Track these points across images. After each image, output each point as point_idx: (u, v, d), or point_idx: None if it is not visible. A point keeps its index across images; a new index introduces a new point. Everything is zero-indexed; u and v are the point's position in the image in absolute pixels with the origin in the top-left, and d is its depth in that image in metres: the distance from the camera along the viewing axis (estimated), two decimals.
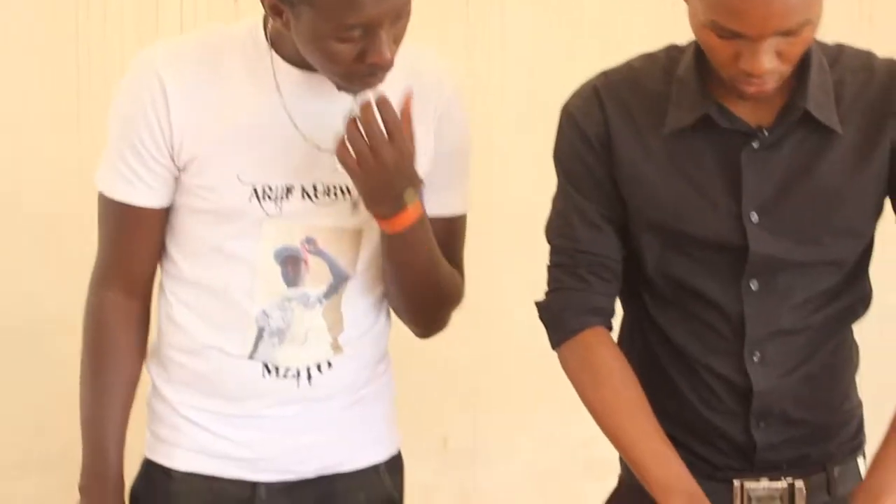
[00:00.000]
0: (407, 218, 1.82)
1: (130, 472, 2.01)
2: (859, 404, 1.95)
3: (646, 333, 1.89)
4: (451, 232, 1.98)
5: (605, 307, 1.86)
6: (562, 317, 1.86)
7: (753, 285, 1.80)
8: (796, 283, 1.81)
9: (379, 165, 1.75)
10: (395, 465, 2.05)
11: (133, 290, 1.95)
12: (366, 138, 1.75)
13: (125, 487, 1.97)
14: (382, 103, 1.75)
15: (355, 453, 1.98)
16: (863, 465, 1.93)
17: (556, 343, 1.88)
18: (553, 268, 1.89)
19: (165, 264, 1.95)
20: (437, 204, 1.91)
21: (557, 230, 1.89)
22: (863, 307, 1.90)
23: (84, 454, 1.96)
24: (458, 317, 3.19)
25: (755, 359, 1.82)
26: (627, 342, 1.93)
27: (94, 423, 1.95)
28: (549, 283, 1.89)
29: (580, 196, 1.85)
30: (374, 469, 2.00)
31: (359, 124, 1.75)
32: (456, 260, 1.99)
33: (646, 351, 1.89)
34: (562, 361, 1.87)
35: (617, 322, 1.94)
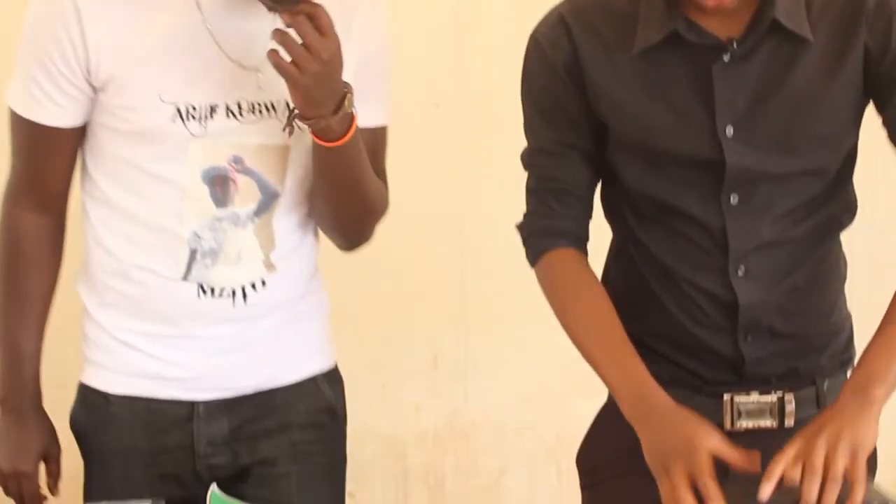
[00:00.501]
0: (348, 131, 1.81)
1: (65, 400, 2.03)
2: (848, 317, 1.95)
3: (631, 253, 1.90)
4: (376, 142, 1.97)
5: (570, 230, 1.88)
6: (531, 240, 1.91)
7: (733, 199, 1.80)
8: (777, 195, 1.80)
9: (318, 64, 1.72)
10: (333, 377, 2.05)
11: (46, 207, 1.95)
12: (299, 40, 1.72)
13: (41, 397, 1.99)
14: (309, 4, 1.73)
15: (292, 367, 1.99)
16: None
17: (530, 263, 1.92)
18: (527, 192, 1.92)
19: (86, 185, 1.95)
20: (364, 116, 1.89)
21: (527, 156, 1.92)
22: (848, 217, 1.89)
23: (0, 365, 1.99)
24: (447, 235, 3.21)
25: (740, 273, 1.82)
26: (615, 263, 1.95)
27: (8, 337, 1.98)
28: (526, 206, 1.93)
29: (545, 124, 1.88)
30: (311, 380, 2.01)
31: (287, 31, 1.72)
32: (380, 169, 2.00)
33: (632, 271, 1.90)
34: (538, 281, 1.90)
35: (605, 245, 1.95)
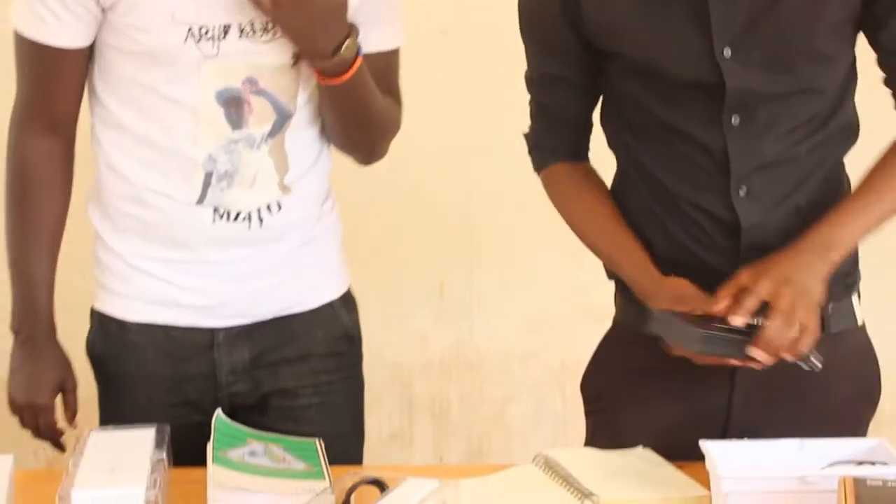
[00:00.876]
0: (347, 72, 1.81)
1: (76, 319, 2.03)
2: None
3: (634, 179, 1.91)
4: (389, 65, 1.97)
5: (564, 149, 1.96)
6: (533, 153, 1.99)
7: (735, 120, 1.81)
8: (777, 115, 1.81)
9: (297, 4, 1.73)
10: (348, 301, 2.06)
11: (54, 130, 1.93)
12: None
13: (56, 328, 1.98)
14: None
15: (310, 292, 1.99)
16: (857, 303, 1.93)
17: (536, 172, 2.00)
18: (529, 107, 1.99)
19: (96, 109, 1.93)
20: (375, 39, 1.88)
21: (526, 81, 1.97)
22: (850, 138, 1.89)
23: (13, 295, 1.98)
24: (453, 164, 3.20)
25: (741, 193, 1.82)
26: (618, 190, 1.96)
27: (20, 264, 1.96)
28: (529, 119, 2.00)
29: (538, 53, 1.92)
30: (329, 306, 2.01)
31: None
32: (394, 90, 1.99)
33: (636, 196, 1.91)
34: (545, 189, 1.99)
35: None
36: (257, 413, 2.00)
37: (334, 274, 2.04)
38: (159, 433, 1.75)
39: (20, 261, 1.96)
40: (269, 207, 1.91)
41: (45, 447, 3.30)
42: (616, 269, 1.90)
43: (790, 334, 1.68)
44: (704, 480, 1.71)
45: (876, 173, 1.82)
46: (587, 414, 2.05)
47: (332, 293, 2.02)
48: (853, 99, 1.89)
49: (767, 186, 1.83)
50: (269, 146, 1.89)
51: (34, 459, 3.28)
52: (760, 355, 1.67)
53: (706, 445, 1.69)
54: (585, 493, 1.68)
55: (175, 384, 1.96)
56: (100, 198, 1.96)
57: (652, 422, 1.92)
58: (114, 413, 1.98)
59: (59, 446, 2.05)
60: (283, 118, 1.89)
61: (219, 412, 1.86)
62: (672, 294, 1.78)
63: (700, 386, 1.88)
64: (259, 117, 1.87)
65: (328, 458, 1.84)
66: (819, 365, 1.71)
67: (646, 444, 1.87)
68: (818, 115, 1.83)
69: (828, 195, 1.86)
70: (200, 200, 1.88)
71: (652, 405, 1.93)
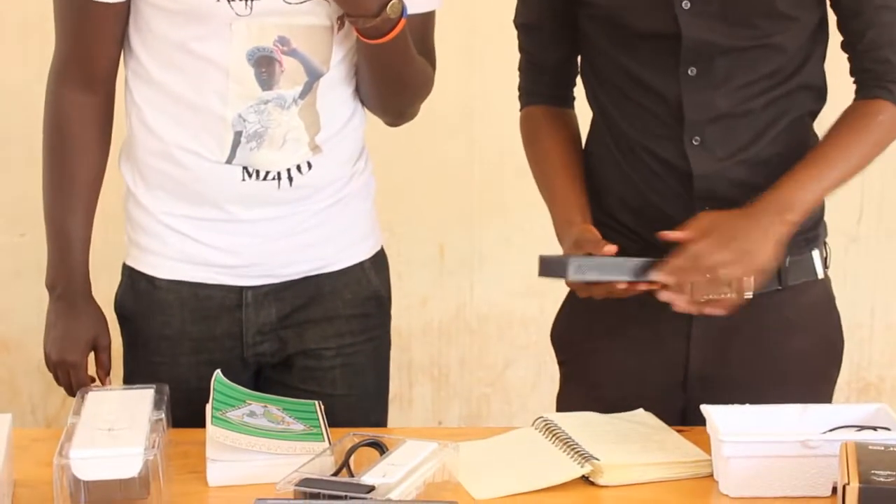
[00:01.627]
0: (390, 32, 1.79)
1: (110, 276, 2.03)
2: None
3: (602, 127, 1.96)
4: (426, 26, 1.95)
5: (543, 92, 2.02)
6: (519, 96, 2.06)
7: (691, 71, 1.85)
8: (734, 68, 1.85)
9: None
10: (379, 261, 2.04)
11: (92, 86, 1.92)
12: None
13: (90, 286, 1.97)
14: None
15: (339, 252, 1.98)
16: (818, 259, 1.94)
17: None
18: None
19: (131, 63, 1.91)
20: (417, 2, 1.87)
21: (515, 27, 2.04)
22: (815, 97, 1.91)
23: (49, 251, 1.96)
24: (455, 125, 3.18)
25: (695, 142, 1.86)
26: (591, 138, 2.01)
27: (57, 221, 1.95)
28: None
29: (521, 1, 2.01)
30: (359, 266, 2.00)
31: None
32: (429, 50, 1.98)
33: (603, 145, 1.96)
34: None
35: None
36: (281, 372, 1.99)
37: (365, 234, 2.02)
38: (158, 393, 1.75)
39: (56, 217, 1.95)
40: (298, 168, 1.89)
41: (43, 407, 3.32)
42: (551, 214, 1.95)
43: (716, 289, 1.73)
44: (705, 444, 1.71)
45: (835, 135, 1.84)
46: (559, 363, 2.09)
47: (363, 253, 2.01)
48: (822, 59, 1.91)
49: (721, 138, 1.86)
50: (301, 107, 1.87)
51: (33, 419, 3.29)
52: (664, 278, 1.73)
53: (707, 409, 1.69)
54: (586, 457, 1.68)
55: (202, 343, 1.96)
56: (131, 154, 1.95)
57: (617, 370, 1.96)
58: (139, 371, 1.97)
59: None
60: (314, 79, 1.87)
61: (218, 373, 1.86)
62: (572, 239, 1.84)
63: (658, 335, 1.93)
64: (290, 78, 1.86)
65: (351, 419, 1.85)
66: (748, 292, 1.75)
67: (612, 392, 1.92)
68: (778, 71, 1.85)
69: (790, 153, 1.88)
70: (230, 160, 1.87)
71: (616, 354, 1.97)
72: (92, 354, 1.98)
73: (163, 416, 1.68)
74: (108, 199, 2.00)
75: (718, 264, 1.73)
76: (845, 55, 1.89)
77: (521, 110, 2.05)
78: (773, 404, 1.73)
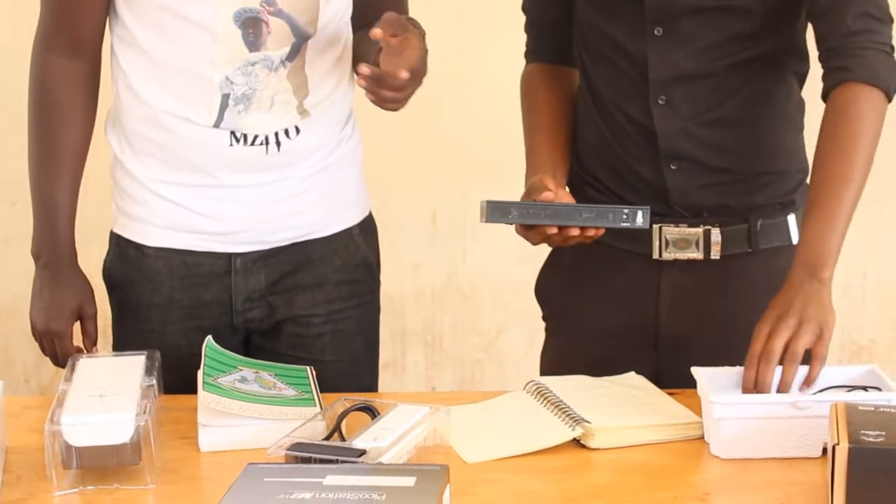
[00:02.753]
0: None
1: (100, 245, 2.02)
2: (800, 164, 1.96)
3: (586, 91, 1.99)
4: None
5: (543, 51, 2.06)
6: (525, 53, 2.08)
7: (658, 31, 1.87)
8: (700, 29, 1.85)
9: (413, 86, 1.75)
10: (367, 227, 2.04)
11: (77, 52, 1.91)
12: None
13: (76, 255, 1.96)
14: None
15: (327, 219, 1.98)
16: (794, 224, 1.94)
17: None
18: None
19: (116, 28, 1.90)
20: None
21: None
22: (789, 61, 1.91)
23: (34, 220, 1.96)
24: (448, 91, 3.17)
25: (660, 101, 1.89)
26: (579, 97, 2.03)
27: (42, 188, 1.94)
28: None
29: None
30: (347, 233, 2.00)
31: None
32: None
33: (586, 108, 1.99)
34: None
35: None
36: (270, 339, 2.00)
37: (353, 200, 2.02)
38: (149, 359, 1.75)
39: (41, 184, 1.94)
40: (286, 132, 1.89)
41: (36, 376, 3.32)
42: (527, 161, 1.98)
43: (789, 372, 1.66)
44: (696, 407, 1.71)
45: (828, 156, 1.76)
46: (544, 318, 2.11)
47: (351, 220, 2.01)
48: (795, 25, 1.89)
49: (687, 98, 1.88)
50: (289, 69, 1.87)
51: (26, 388, 3.30)
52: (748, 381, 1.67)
53: (697, 371, 1.69)
54: (577, 420, 1.68)
55: (191, 310, 1.96)
56: (118, 121, 1.94)
57: (593, 327, 1.99)
58: (128, 339, 1.97)
59: None
60: (301, 40, 1.87)
61: (209, 339, 1.86)
62: (530, 186, 1.87)
63: (628, 292, 1.95)
64: (277, 39, 1.85)
65: (342, 385, 1.85)
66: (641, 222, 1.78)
67: (590, 349, 1.95)
68: (745, 34, 1.85)
69: (762, 115, 1.90)
70: (217, 123, 1.86)
71: (592, 311, 1.99)
72: (78, 325, 1.98)
73: (154, 382, 1.68)
74: (96, 167, 2.00)
75: (787, 342, 1.67)
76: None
77: (524, 68, 2.08)
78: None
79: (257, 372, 1.82)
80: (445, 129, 3.23)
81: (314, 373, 1.86)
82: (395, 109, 1.82)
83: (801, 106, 1.96)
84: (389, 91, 1.76)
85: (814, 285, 1.70)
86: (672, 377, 1.81)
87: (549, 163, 1.94)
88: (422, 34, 1.81)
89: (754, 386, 1.65)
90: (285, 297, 1.97)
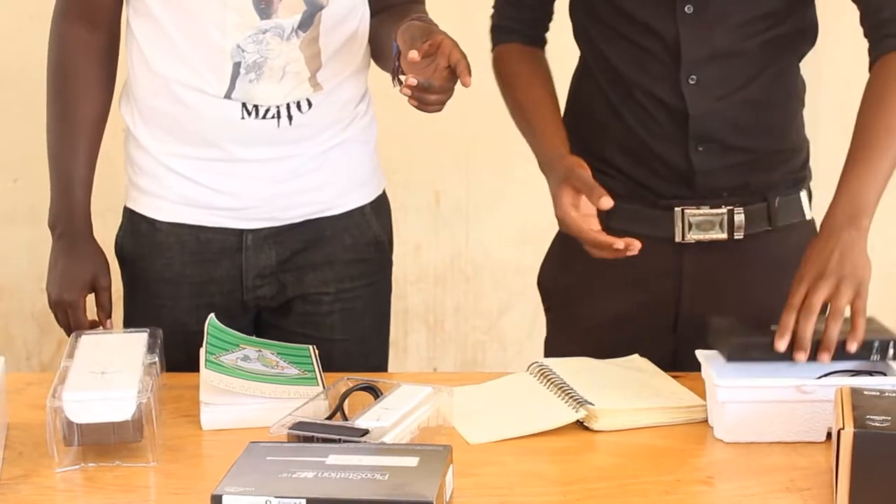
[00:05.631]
0: None
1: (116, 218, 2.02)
2: (805, 140, 1.99)
3: (594, 67, 1.95)
4: None
5: (521, 29, 2.01)
6: (491, 34, 2.04)
7: (688, 9, 1.84)
8: (732, 6, 1.84)
9: (451, 89, 1.74)
10: (380, 206, 2.03)
11: (94, 22, 1.91)
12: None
13: (91, 226, 1.96)
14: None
15: (340, 197, 1.97)
16: (805, 199, 1.96)
17: (492, 52, 2.04)
18: None
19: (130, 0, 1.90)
20: None
21: None
22: (806, 39, 1.92)
23: (51, 190, 1.95)
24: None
25: (691, 81, 1.86)
26: (580, 82, 2.01)
27: (58, 159, 1.94)
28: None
29: None
30: (359, 211, 1.99)
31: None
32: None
33: (596, 86, 1.96)
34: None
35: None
36: (280, 317, 1.99)
37: (366, 178, 2.01)
38: (152, 337, 1.74)
39: (58, 156, 1.94)
40: (298, 105, 1.88)
41: (38, 353, 3.32)
42: (532, 147, 1.94)
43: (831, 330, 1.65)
44: (700, 390, 1.71)
45: (873, 113, 1.78)
46: (546, 309, 2.09)
47: (363, 198, 2.00)
48: (813, 4, 1.91)
49: (718, 76, 1.86)
50: (302, 39, 1.86)
51: (27, 366, 3.29)
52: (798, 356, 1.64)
53: (702, 354, 1.68)
54: (580, 402, 1.67)
55: (201, 286, 1.96)
56: (132, 94, 1.94)
57: (605, 313, 1.97)
58: (138, 314, 1.97)
59: None
60: (313, 9, 1.85)
61: (211, 317, 1.85)
62: (562, 172, 1.82)
63: (649, 276, 1.93)
64: (288, 6, 1.84)
65: (350, 364, 1.84)
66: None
67: (604, 337, 1.93)
68: (774, 12, 1.85)
69: (782, 93, 1.92)
70: (229, 94, 1.85)
71: (605, 296, 1.97)
72: (93, 297, 1.97)
73: (156, 359, 1.67)
74: (114, 141, 1.99)
75: (828, 298, 1.66)
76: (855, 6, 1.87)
77: (495, 47, 2.03)
78: None
79: (260, 350, 1.82)
80: (449, 111, 3.22)
81: (317, 352, 1.86)
82: (440, 110, 1.80)
83: (804, 84, 1.98)
84: (434, 94, 1.74)
85: (852, 234, 1.69)
86: (692, 359, 1.79)
87: (562, 140, 1.91)
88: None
89: (792, 339, 1.63)
90: (296, 275, 1.97)
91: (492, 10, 2.05)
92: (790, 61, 1.92)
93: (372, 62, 1.99)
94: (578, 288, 2.00)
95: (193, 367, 1.79)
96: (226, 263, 1.95)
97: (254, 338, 1.88)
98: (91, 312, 1.96)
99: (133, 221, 1.97)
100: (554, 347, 2.05)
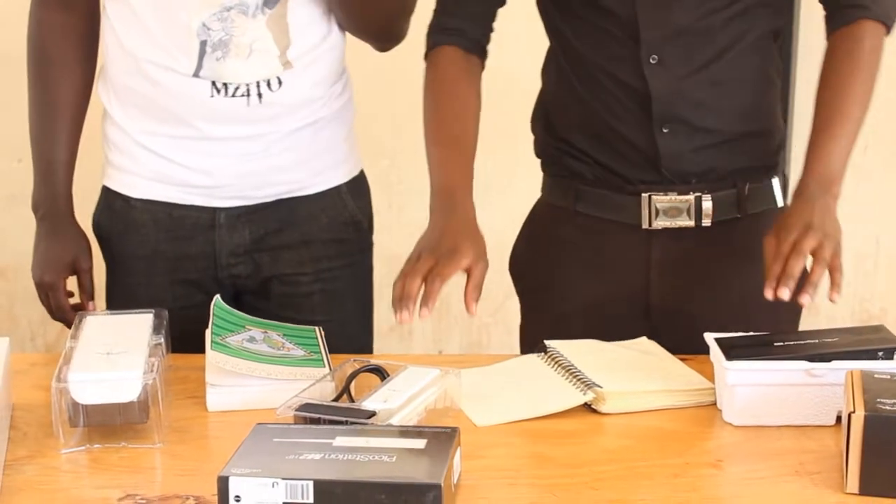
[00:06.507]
0: None
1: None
2: (779, 126, 1.96)
3: (560, 54, 1.94)
4: None
5: (462, 29, 1.91)
6: (428, 36, 1.94)
7: None
8: None
9: None
10: (357, 187, 2.03)
11: (71, 6, 1.93)
12: None
13: (73, 208, 1.98)
14: None
15: (314, 177, 1.97)
16: (778, 187, 1.95)
17: (426, 56, 1.95)
18: None
19: None
20: None
21: None
22: (776, 13, 1.88)
23: (34, 172, 1.98)
24: None
25: (652, 61, 1.84)
26: (548, 66, 1.99)
27: (39, 141, 1.96)
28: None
29: None
30: (335, 191, 1.99)
31: None
32: None
33: (561, 71, 1.94)
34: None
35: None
36: (261, 299, 1.99)
37: (342, 159, 2.00)
38: (157, 317, 1.73)
39: (39, 139, 1.96)
40: (269, 83, 1.88)
41: (42, 334, 3.31)
42: (431, 179, 1.86)
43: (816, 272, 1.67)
44: (708, 373, 1.70)
45: (835, 82, 1.80)
46: (519, 294, 2.08)
47: (339, 178, 2.00)
48: None
49: (679, 55, 1.84)
50: (268, 17, 1.85)
51: (32, 346, 3.29)
52: (783, 293, 1.66)
53: (711, 338, 1.67)
54: (588, 384, 1.66)
55: (176, 263, 1.96)
56: (107, 74, 1.95)
57: (578, 298, 1.96)
58: (118, 291, 1.99)
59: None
60: None
61: (217, 298, 1.85)
62: (468, 236, 1.79)
63: (617, 263, 1.93)
64: None
65: (334, 346, 1.82)
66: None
67: (577, 323, 1.91)
68: None
69: (749, 74, 1.88)
70: (197, 72, 1.86)
71: (576, 282, 1.97)
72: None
73: (162, 340, 1.66)
74: (98, 124, 1.99)
75: (813, 249, 1.68)
76: None
77: (429, 49, 1.93)
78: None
79: (266, 332, 1.81)
80: None
81: (323, 333, 1.85)
82: None
83: (779, 66, 1.95)
84: None
85: (828, 200, 1.73)
86: (665, 346, 1.80)
87: (470, 178, 1.85)
88: None
89: (780, 276, 1.65)
90: (271, 255, 1.97)
91: (433, 12, 1.95)
92: (760, 39, 1.88)
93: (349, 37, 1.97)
94: (549, 273, 1.99)
95: (173, 344, 1.78)
96: (199, 240, 1.95)
97: (260, 319, 1.87)
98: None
99: (109, 199, 1.99)
100: (529, 333, 2.04)
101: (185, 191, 1.93)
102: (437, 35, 1.92)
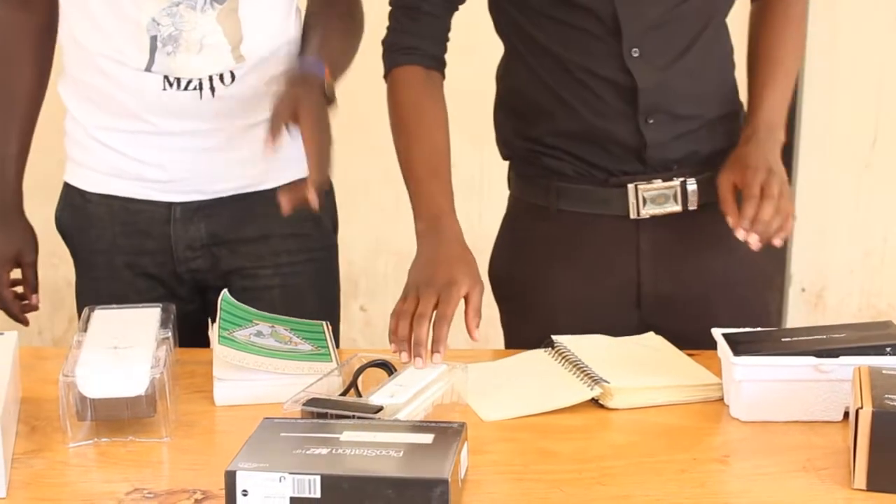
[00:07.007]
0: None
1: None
2: (741, 104, 1.98)
3: (526, 56, 1.91)
4: None
5: (420, 47, 1.89)
6: (385, 56, 1.92)
7: None
8: None
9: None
10: None
11: (27, 4, 1.95)
12: None
13: (22, 202, 2.03)
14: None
15: (272, 172, 1.95)
16: None
17: (385, 76, 1.92)
18: (390, 10, 1.93)
19: None
20: None
21: None
22: (724, 3, 1.91)
23: None
24: (461, 48, 3.14)
25: (634, 54, 1.84)
26: (509, 72, 1.98)
27: None
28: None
29: None
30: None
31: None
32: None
33: (529, 74, 1.91)
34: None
35: None
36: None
37: (300, 154, 1.98)
38: (165, 312, 1.73)
39: None
40: (221, 77, 1.88)
41: (50, 328, 3.31)
42: (414, 205, 1.85)
43: (778, 218, 1.75)
44: (715, 368, 1.70)
45: (772, 44, 1.92)
46: (498, 300, 2.06)
47: (298, 174, 1.97)
48: None
49: (659, 47, 1.85)
50: (219, 12, 1.86)
51: (40, 340, 3.29)
52: (753, 239, 1.74)
53: (718, 333, 1.67)
54: (595, 380, 1.66)
55: (135, 257, 1.98)
56: (65, 69, 1.96)
57: (562, 300, 1.95)
58: (83, 287, 2.02)
59: (20, 320, 2.09)
60: None
61: (225, 293, 1.85)
62: (475, 272, 1.75)
63: (606, 258, 1.93)
64: None
65: None
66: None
67: (566, 321, 1.90)
68: None
69: (717, 59, 1.93)
70: (149, 67, 1.86)
71: (560, 283, 1.95)
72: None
73: (169, 334, 1.66)
74: (60, 120, 2.02)
75: (766, 185, 1.76)
76: None
77: (389, 70, 1.90)
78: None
79: (273, 326, 1.81)
80: (462, 88, 3.20)
81: (330, 328, 1.85)
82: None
83: (732, 46, 1.98)
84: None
85: (775, 144, 1.83)
86: (657, 333, 1.83)
87: (451, 201, 1.86)
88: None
89: (751, 222, 1.73)
90: (230, 248, 1.98)
91: (387, 29, 1.93)
92: (720, 23, 1.92)
93: None
94: (534, 276, 1.97)
95: None
96: (156, 234, 1.96)
97: (267, 314, 1.87)
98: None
99: (69, 194, 2.01)
100: (515, 339, 2.02)
101: (141, 185, 1.94)
102: (395, 55, 1.90)
